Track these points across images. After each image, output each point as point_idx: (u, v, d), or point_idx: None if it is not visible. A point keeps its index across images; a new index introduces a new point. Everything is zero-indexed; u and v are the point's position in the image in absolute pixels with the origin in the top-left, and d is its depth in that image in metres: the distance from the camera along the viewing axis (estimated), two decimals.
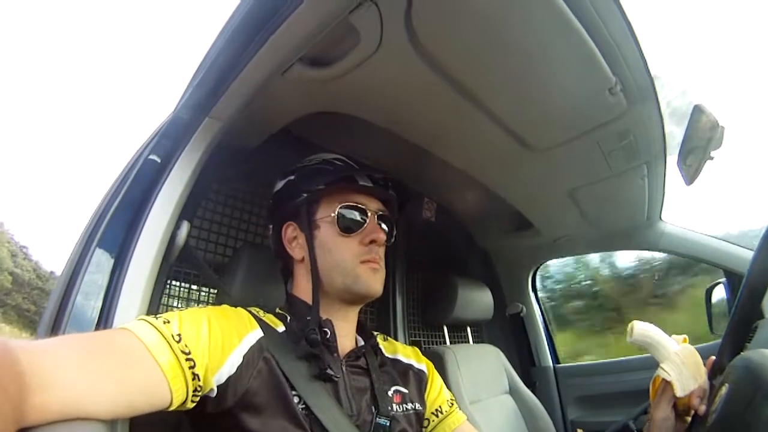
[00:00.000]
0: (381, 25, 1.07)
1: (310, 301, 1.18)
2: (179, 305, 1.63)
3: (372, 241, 1.18)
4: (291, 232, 1.25)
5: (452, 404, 1.38)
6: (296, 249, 1.24)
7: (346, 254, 1.17)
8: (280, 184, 1.29)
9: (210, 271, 1.51)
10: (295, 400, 1.01)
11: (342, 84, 1.27)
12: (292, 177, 1.26)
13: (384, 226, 1.24)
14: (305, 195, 1.21)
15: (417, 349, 1.46)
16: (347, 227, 1.18)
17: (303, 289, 1.22)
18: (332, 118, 1.46)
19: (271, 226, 1.31)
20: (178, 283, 1.65)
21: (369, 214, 1.21)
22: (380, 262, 1.21)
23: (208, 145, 1.25)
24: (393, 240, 1.28)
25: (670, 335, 1.18)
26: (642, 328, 1.15)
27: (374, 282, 1.19)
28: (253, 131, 1.45)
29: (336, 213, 1.18)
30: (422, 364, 1.41)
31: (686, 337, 1.16)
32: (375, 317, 2.34)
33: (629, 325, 1.17)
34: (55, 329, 1.03)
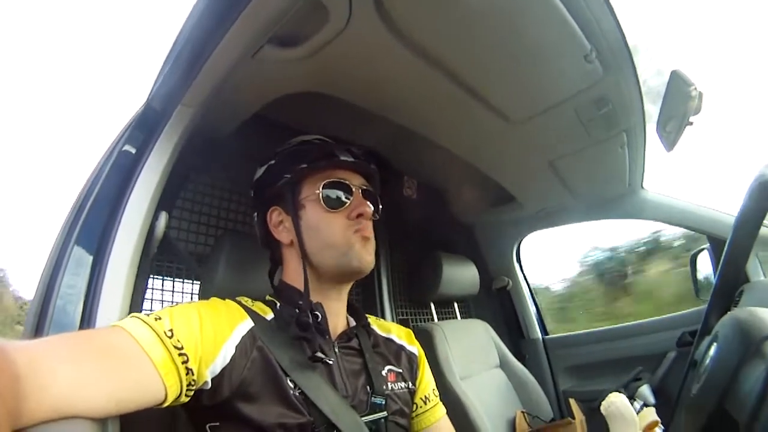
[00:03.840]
0: (349, 1, 1.06)
1: (299, 285, 1.18)
2: (163, 299, 1.62)
3: (359, 215, 1.18)
4: (276, 216, 1.24)
5: (437, 395, 1.41)
6: (283, 233, 1.23)
7: (336, 229, 1.17)
8: (260, 171, 1.28)
9: (192, 260, 1.50)
10: (290, 385, 1.01)
11: (313, 63, 1.26)
12: (273, 162, 1.26)
13: (368, 200, 1.23)
14: (288, 176, 1.20)
15: (411, 332, 1.46)
16: (333, 203, 1.18)
17: (293, 275, 1.22)
18: (307, 100, 1.44)
19: (255, 214, 1.30)
20: (161, 278, 1.64)
21: (353, 189, 1.21)
22: (369, 235, 1.21)
23: (183, 133, 1.23)
24: (378, 215, 1.27)
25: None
26: (621, 403, 1.13)
27: (366, 253, 1.18)
28: (227, 117, 1.44)
29: (320, 190, 1.17)
30: (414, 347, 1.42)
31: (657, 421, 1.13)
32: (361, 297, 2.34)
33: (609, 395, 1.15)
34: (38, 331, 1.02)
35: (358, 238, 1.17)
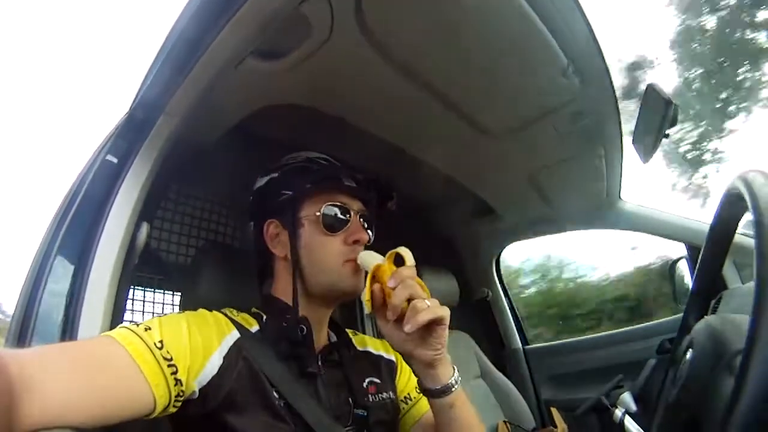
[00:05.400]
0: (331, 15, 1.08)
1: (288, 300, 1.19)
2: (144, 310, 1.61)
3: (355, 242, 1.19)
4: (273, 229, 1.25)
5: (419, 392, 1.36)
6: (278, 246, 1.24)
7: (330, 254, 1.18)
8: (262, 181, 1.28)
9: (173, 271, 1.50)
10: (275, 396, 1.02)
11: (295, 76, 1.28)
12: (276, 174, 1.26)
13: (365, 225, 1.25)
14: (290, 193, 1.21)
15: (386, 341, 1.45)
16: (331, 226, 1.19)
17: (283, 288, 1.23)
18: (290, 113, 1.45)
19: (252, 223, 1.30)
20: (142, 289, 1.64)
21: (352, 213, 1.22)
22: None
23: (165, 143, 1.23)
24: (373, 239, 1.28)
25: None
26: (366, 254, 1.14)
27: (358, 281, 1.19)
28: (210, 127, 1.44)
29: (321, 212, 1.18)
30: (391, 354, 1.42)
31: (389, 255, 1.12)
32: (341, 311, 2.33)
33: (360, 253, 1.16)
34: (21, 339, 1.02)
35: (350, 270, 1.18)
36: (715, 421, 0.89)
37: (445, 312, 1.02)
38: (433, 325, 1.01)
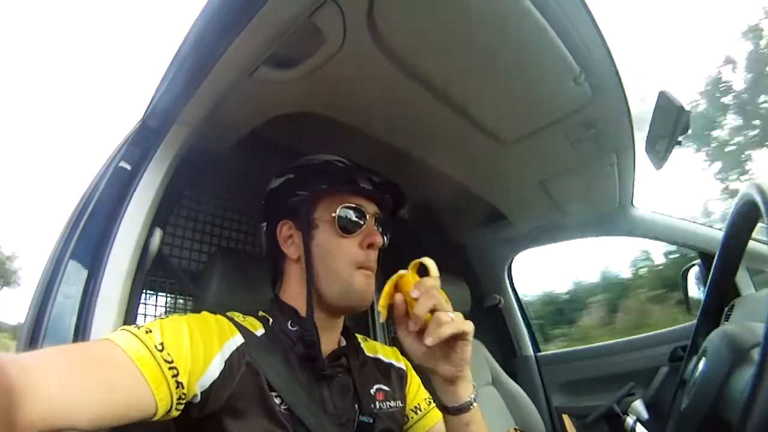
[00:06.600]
0: (344, 25, 1.07)
1: (298, 305, 1.18)
2: (156, 315, 1.62)
3: (369, 245, 1.19)
4: (287, 230, 1.23)
5: (430, 402, 1.38)
6: (292, 247, 1.23)
7: (344, 258, 1.17)
8: (277, 182, 1.27)
9: (186, 278, 1.50)
10: (277, 401, 1.01)
11: (308, 84, 1.27)
12: (291, 175, 1.25)
13: (380, 229, 1.24)
14: (305, 194, 1.20)
15: (396, 349, 1.44)
16: (346, 228, 1.17)
17: (293, 292, 1.22)
18: (302, 120, 1.46)
19: (264, 224, 1.29)
20: (154, 293, 1.64)
21: (368, 216, 1.21)
22: (373, 269, 1.22)
23: (178, 151, 1.24)
24: (387, 243, 1.27)
25: None
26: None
27: (367, 290, 1.19)
28: (223, 135, 1.45)
29: (336, 213, 1.17)
30: (401, 363, 1.41)
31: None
32: (353, 317, 2.33)
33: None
34: (33, 342, 1.03)
35: (361, 277, 1.18)
36: (736, 410, 0.88)
37: (469, 327, 1.03)
38: (455, 339, 1.02)
